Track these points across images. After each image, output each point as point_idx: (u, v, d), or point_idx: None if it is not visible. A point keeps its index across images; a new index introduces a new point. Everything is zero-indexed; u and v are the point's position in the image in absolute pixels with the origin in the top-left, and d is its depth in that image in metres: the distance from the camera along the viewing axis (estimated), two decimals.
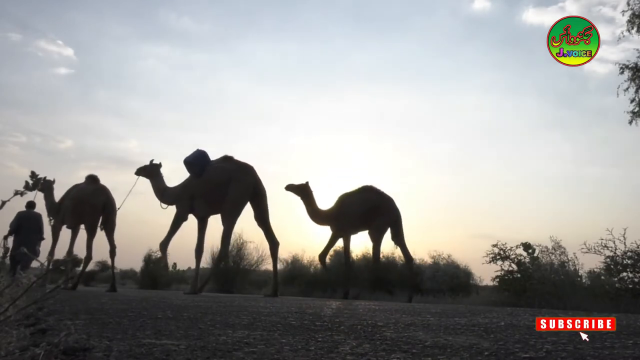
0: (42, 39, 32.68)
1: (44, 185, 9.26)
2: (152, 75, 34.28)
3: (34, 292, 1.28)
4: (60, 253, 9.33)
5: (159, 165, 9.01)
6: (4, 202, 1.41)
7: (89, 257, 8.99)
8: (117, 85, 34.75)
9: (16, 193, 1.38)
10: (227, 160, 8.35)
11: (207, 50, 34.40)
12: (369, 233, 8.88)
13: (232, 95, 34.44)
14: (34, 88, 33.19)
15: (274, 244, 8.31)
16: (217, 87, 34.58)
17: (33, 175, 1.41)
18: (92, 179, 9.20)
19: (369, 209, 8.57)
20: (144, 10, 33.00)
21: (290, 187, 9.01)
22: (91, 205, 8.77)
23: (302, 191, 8.95)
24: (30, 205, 8.91)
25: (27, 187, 1.40)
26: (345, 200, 8.89)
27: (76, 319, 2.45)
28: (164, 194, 8.73)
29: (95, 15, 32.18)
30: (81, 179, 9.71)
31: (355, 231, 9.02)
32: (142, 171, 8.95)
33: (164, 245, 8.54)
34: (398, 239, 8.68)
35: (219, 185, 8.01)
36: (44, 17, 32.24)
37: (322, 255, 9.08)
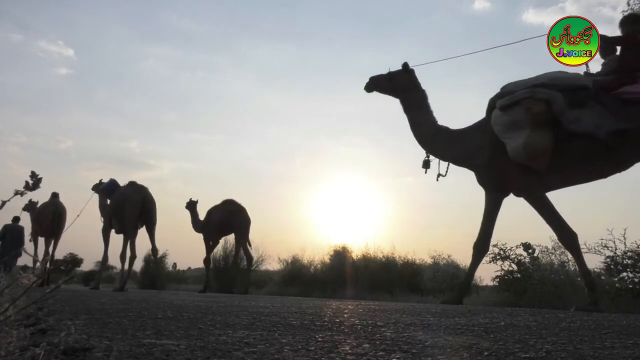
0: (42, 39, 32.79)
1: (29, 206, 11.23)
2: (152, 75, 34.37)
3: (34, 292, 1.28)
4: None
5: None
6: (4, 202, 1.41)
7: (52, 256, 11.39)
8: (117, 85, 34.88)
9: (16, 193, 1.38)
10: (130, 185, 9.98)
11: (207, 51, 34.49)
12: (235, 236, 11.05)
13: (232, 95, 34.50)
14: (35, 88, 33.30)
15: (154, 251, 10.03)
16: (218, 87, 34.66)
17: (33, 175, 1.41)
18: (53, 195, 11.24)
19: (227, 218, 10.69)
20: (144, 10, 33.09)
21: (186, 206, 11.33)
22: (44, 215, 10.84)
23: (190, 207, 11.27)
24: (16, 219, 11.15)
25: (27, 187, 1.40)
26: (212, 212, 11.04)
27: (76, 319, 2.45)
28: (102, 210, 10.36)
29: (95, 15, 32.25)
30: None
31: (219, 236, 11.43)
32: (95, 187, 10.76)
33: (105, 260, 10.31)
34: (242, 241, 10.93)
35: (120, 206, 9.65)
36: (44, 17, 32.32)
37: (206, 260, 11.17)
